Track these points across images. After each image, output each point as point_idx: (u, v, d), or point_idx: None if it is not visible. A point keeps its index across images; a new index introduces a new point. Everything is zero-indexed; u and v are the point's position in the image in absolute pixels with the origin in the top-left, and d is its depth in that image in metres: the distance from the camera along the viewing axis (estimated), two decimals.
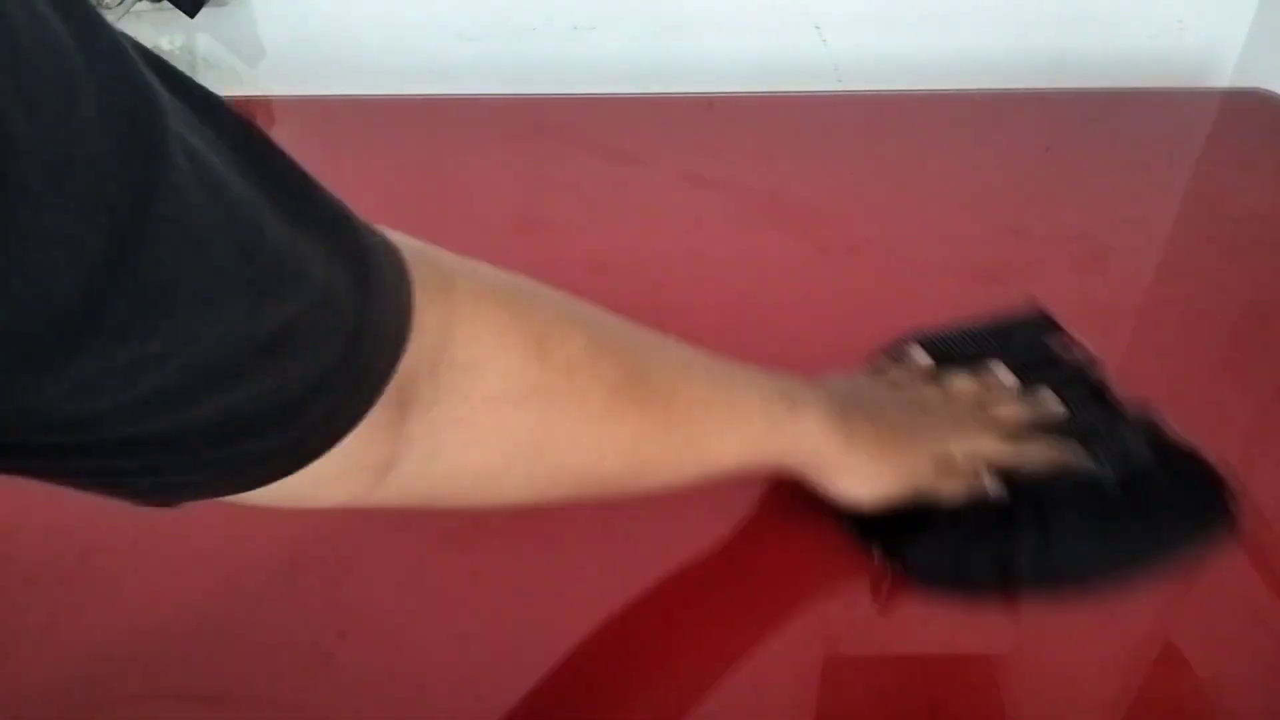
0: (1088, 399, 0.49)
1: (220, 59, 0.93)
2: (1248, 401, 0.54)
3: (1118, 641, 0.42)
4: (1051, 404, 0.48)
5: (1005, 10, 0.89)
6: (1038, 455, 0.45)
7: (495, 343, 0.32)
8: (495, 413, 0.32)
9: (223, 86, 0.94)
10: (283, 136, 0.82)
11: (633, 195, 0.71)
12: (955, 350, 0.52)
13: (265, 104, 0.88)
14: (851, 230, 0.61)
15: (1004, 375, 0.50)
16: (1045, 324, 0.55)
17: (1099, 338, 0.58)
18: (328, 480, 0.28)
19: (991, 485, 0.44)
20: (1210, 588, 0.44)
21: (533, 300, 0.34)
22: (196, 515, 0.47)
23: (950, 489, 0.44)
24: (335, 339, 0.25)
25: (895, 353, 0.52)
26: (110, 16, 0.85)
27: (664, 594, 0.43)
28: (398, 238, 0.30)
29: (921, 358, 0.51)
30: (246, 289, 0.22)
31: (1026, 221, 0.68)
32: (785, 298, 0.62)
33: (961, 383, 0.49)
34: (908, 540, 0.44)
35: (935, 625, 0.43)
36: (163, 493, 0.26)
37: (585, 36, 0.91)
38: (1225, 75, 0.92)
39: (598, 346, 0.36)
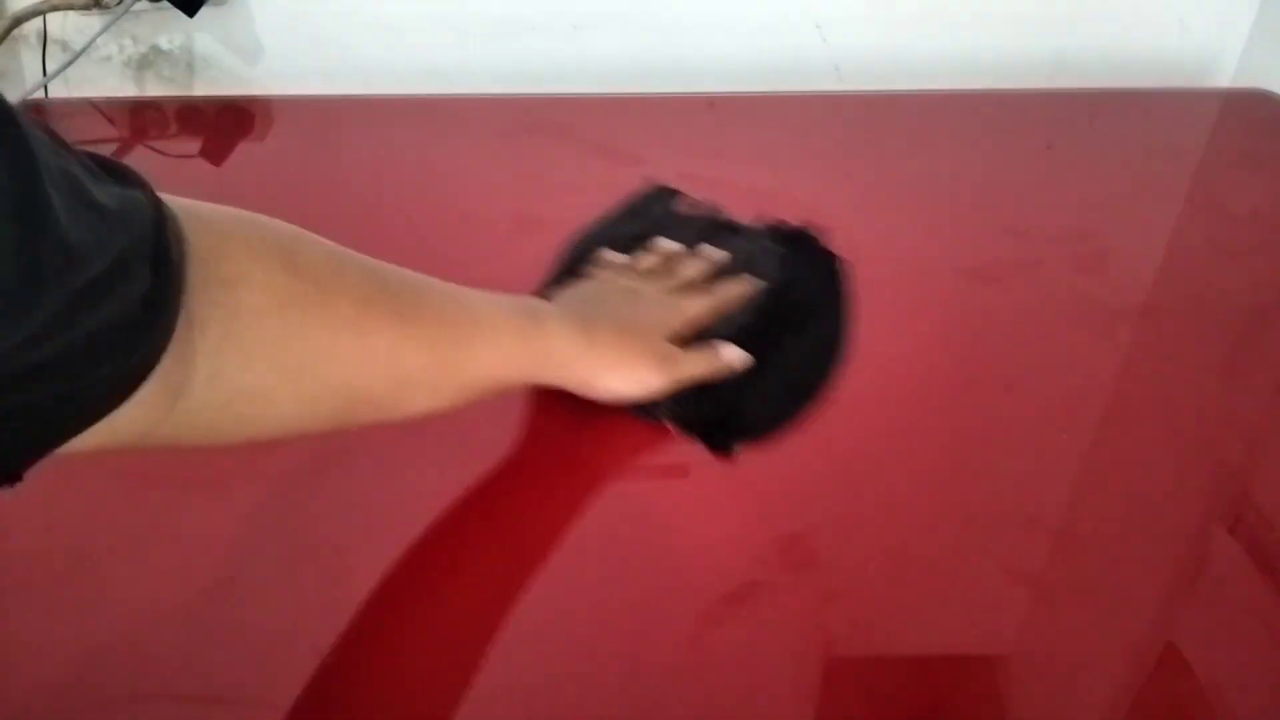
0: (730, 236, 0.58)
1: (219, 59, 0.93)
2: (1248, 401, 0.54)
3: (1118, 641, 0.42)
4: (713, 252, 0.56)
5: (1005, 10, 0.89)
6: (735, 294, 0.53)
7: (250, 258, 0.35)
8: (259, 325, 0.35)
9: (222, 86, 0.94)
10: (282, 136, 0.83)
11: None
12: (616, 240, 0.57)
13: (265, 104, 0.88)
14: (851, 230, 0.61)
15: (669, 245, 0.56)
16: (666, 192, 0.63)
17: (1099, 338, 0.58)
18: (138, 404, 0.31)
19: (727, 349, 0.50)
20: (1210, 588, 0.44)
21: (270, 224, 0.37)
22: (190, 514, 0.47)
23: (692, 361, 0.49)
24: (150, 264, 0.30)
25: (570, 259, 0.57)
26: (109, 16, 0.85)
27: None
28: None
29: (605, 255, 0.56)
30: (101, 240, 0.27)
31: (1026, 221, 0.68)
32: None
33: (647, 264, 0.55)
34: (718, 427, 0.48)
35: (935, 625, 0.43)
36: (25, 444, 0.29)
37: (584, 36, 0.91)
38: (1226, 75, 0.92)
39: (339, 260, 0.39)
